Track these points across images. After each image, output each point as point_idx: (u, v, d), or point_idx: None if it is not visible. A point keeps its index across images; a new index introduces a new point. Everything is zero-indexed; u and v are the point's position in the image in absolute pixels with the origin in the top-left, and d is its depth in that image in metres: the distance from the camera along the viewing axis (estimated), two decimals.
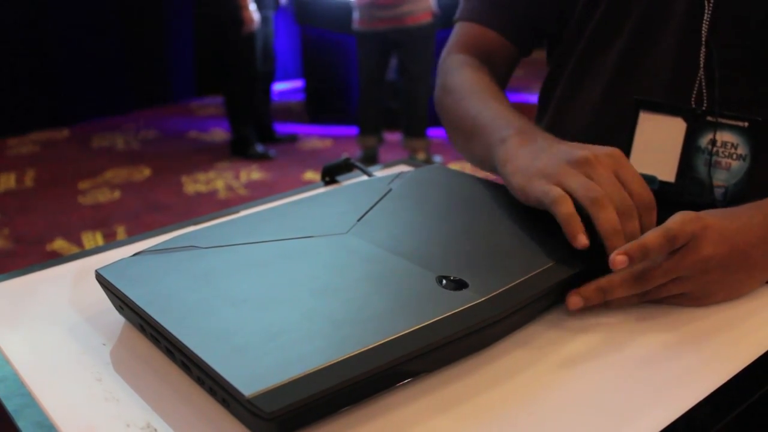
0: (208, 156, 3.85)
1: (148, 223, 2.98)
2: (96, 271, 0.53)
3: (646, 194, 0.54)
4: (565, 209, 0.52)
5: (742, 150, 0.66)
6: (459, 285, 0.48)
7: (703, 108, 0.68)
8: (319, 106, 4.45)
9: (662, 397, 0.43)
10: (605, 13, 0.75)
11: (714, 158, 0.67)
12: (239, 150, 3.79)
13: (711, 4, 0.67)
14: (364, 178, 0.80)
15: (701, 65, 0.68)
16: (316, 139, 4.14)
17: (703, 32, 0.68)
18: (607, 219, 0.51)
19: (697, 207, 0.54)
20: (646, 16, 0.72)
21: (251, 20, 3.48)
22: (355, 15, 3.34)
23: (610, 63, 0.75)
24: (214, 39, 3.88)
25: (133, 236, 0.70)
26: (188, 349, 0.42)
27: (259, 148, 3.80)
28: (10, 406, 0.44)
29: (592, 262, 0.52)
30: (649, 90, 0.71)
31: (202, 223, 0.70)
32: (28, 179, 3.57)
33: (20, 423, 0.43)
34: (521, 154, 0.60)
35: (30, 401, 0.45)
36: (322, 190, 0.80)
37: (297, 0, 4.26)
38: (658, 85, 0.71)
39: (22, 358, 0.50)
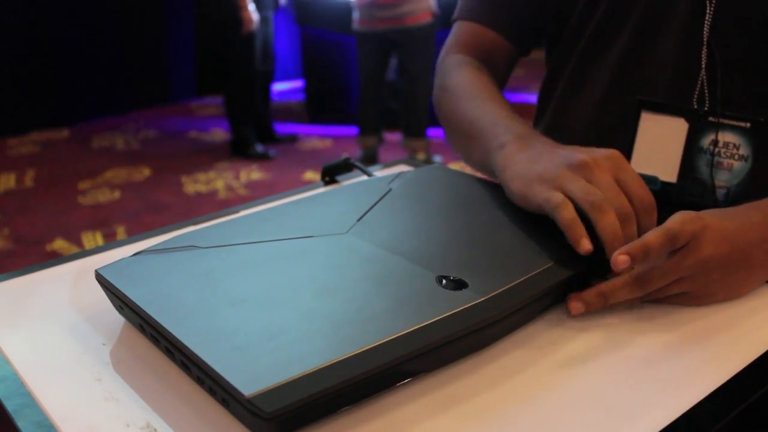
0: (208, 156, 3.85)
1: (148, 223, 2.98)
2: (96, 271, 0.53)
3: (646, 196, 0.54)
4: (567, 215, 0.52)
5: (744, 151, 0.66)
6: (459, 285, 0.48)
7: (705, 108, 0.68)
8: (319, 106, 4.45)
9: (662, 397, 0.43)
10: (606, 12, 0.74)
11: (716, 159, 0.67)
12: (239, 150, 3.79)
13: (713, 4, 0.67)
14: (364, 178, 0.80)
15: (703, 65, 0.68)
16: (316, 139, 4.14)
17: (704, 32, 0.68)
18: (608, 224, 0.51)
19: (698, 208, 0.54)
20: (647, 15, 0.72)
21: (250, 20, 3.48)
22: (355, 15, 3.35)
23: (611, 63, 0.75)
24: (213, 39, 3.89)
25: (133, 236, 0.70)
26: (188, 348, 0.42)
27: (259, 148, 3.80)
28: (10, 406, 0.44)
29: (592, 262, 0.52)
30: (650, 90, 0.71)
31: (202, 223, 0.70)
32: (28, 179, 3.57)
33: (20, 423, 0.43)
34: (520, 159, 0.59)
35: (30, 401, 0.45)
36: (322, 190, 0.80)
37: (297, 0, 4.26)
38: (660, 85, 0.71)
39: (22, 358, 0.50)
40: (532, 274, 0.50)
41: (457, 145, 0.78)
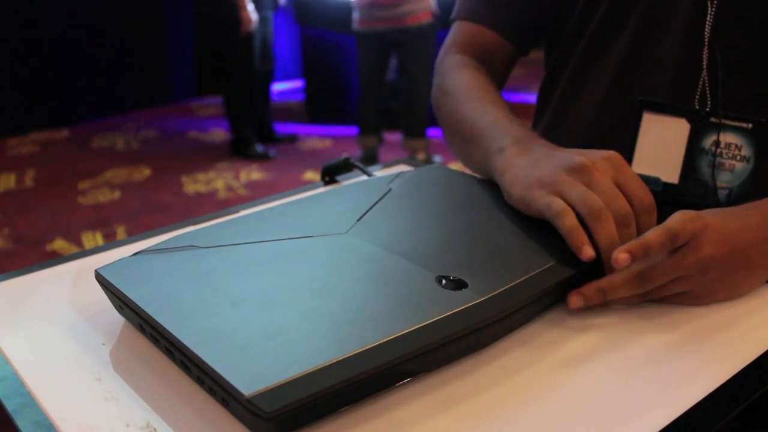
0: (208, 156, 3.85)
1: (148, 223, 2.98)
2: (96, 270, 0.53)
3: (646, 196, 0.54)
4: (569, 222, 0.52)
5: (745, 151, 0.66)
6: (458, 285, 0.48)
7: (707, 109, 0.68)
8: (319, 106, 4.45)
9: (662, 397, 0.43)
10: (606, 12, 0.74)
11: (717, 160, 0.67)
12: (239, 150, 3.79)
13: (714, 5, 0.67)
14: (364, 178, 0.80)
15: (704, 66, 0.68)
16: (316, 139, 4.14)
17: (705, 32, 0.67)
18: (605, 233, 0.51)
19: (700, 208, 0.54)
20: (648, 15, 0.71)
21: (249, 20, 3.49)
22: (355, 15, 3.35)
23: (612, 63, 0.75)
24: (213, 39, 3.89)
25: (133, 236, 0.70)
26: (188, 348, 0.42)
27: (259, 148, 3.80)
28: (10, 406, 0.44)
29: (592, 262, 0.52)
30: (651, 90, 0.71)
31: (201, 223, 0.70)
32: (28, 179, 3.57)
33: (20, 423, 0.43)
34: (519, 163, 0.59)
35: (29, 401, 0.45)
36: (321, 190, 0.80)
37: (297, 0, 4.26)
38: (661, 85, 0.71)
39: (22, 357, 0.50)
40: (531, 274, 0.50)
41: (455, 147, 0.77)
